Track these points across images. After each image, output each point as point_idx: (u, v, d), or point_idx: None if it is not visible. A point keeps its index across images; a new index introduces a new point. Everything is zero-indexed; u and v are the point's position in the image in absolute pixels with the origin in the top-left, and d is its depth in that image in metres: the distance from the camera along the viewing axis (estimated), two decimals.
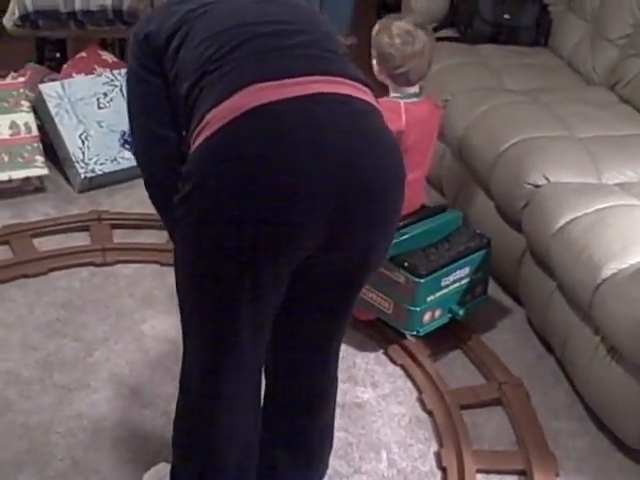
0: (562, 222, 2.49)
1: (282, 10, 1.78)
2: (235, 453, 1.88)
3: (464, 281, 2.60)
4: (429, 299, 2.52)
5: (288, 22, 1.75)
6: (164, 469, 2.08)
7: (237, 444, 1.88)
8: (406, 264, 2.49)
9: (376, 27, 2.55)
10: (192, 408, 1.90)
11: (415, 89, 2.57)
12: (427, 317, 2.54)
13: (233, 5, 1.78)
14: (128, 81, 1.90)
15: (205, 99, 1.65)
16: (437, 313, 2.57)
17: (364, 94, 1.70)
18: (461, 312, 2.60)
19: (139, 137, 1.95)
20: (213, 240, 1.64)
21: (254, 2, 1.79)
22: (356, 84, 1.69)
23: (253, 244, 1.61)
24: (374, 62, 2.54)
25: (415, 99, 2.56)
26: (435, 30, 3.78)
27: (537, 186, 2.66)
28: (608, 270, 2.30)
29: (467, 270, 2.60)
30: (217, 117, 1.60)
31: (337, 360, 1.99)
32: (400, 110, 2.50)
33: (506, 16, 3.65)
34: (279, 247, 1.64)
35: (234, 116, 1.58)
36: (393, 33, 2.49)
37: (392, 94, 2.56)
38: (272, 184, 1.57)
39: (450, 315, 2.60)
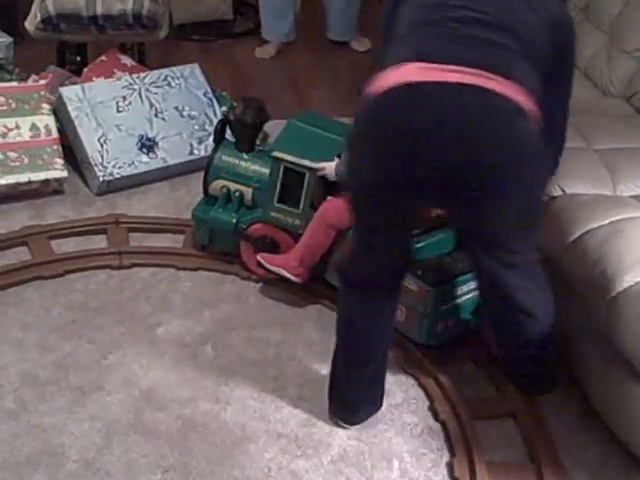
0: (577, 234, 2.47)
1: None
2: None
3: (477, 292, 2.60)
4: (443, 308, 2.52)
5: (478, 11, 1.95)
6: None
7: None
8: (419, 272, 2.49)
9: None
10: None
11: None
12: (440, 327, 2.54)
13: None
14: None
15: (389, 54, 2.00)
16: (450, 323, 2.57)
17: (512, 92, 1.90)
18: (473, 322, 2.60)
19: None
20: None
21: None
22: (511, 83, 1.90)
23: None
24: None
25: None
26: None
27: (552, 197, 2.64)
28: (623, 282, 2.27)
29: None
30: (380, 79, 1.95)
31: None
32: None
33: None
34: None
35: (388, 86, 1.91)
36: None
37: None
38: (389, 164, 1.97)
39: (462, 325, 2.61)
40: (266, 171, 2.85)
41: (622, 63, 3.35)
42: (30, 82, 3.43)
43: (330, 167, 2.68)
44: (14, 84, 3.36)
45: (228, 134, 3.02)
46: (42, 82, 3.43)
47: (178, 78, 3.60)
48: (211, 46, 4.70)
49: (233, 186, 2.92)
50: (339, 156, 2.66)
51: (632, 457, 2.31)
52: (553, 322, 2.33)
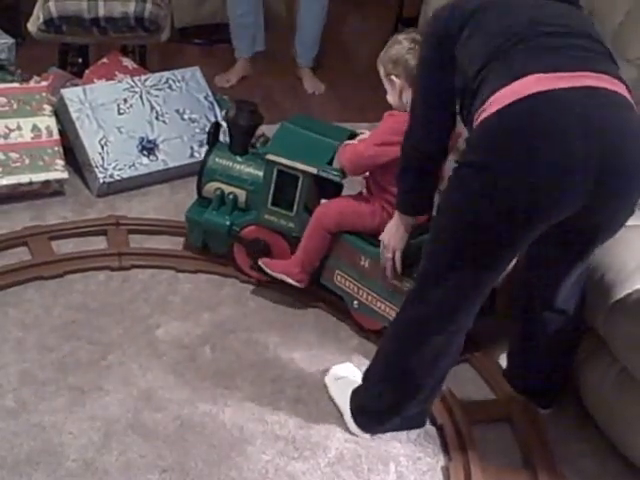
0: None
1: (558, 14, 2.05)
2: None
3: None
4: None
5: (562, 25, 2.02)
6: (353, 370, 2.53)
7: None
8: (415, 274, 2.51)
9: (381, 53, 2.58)
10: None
11: None
12: None
13: (518, 5, 2.09)
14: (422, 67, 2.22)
15: (490, 82, 1.95)
16: None
17: (621, 88, 1.97)
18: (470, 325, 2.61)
19: (422, 114, 2.25)
20: (493, 201, 1.95)
21: (535, 5, 2.08)
22: (614, 80, 1.97)
23: (528, 207, 1.93)
24: (393, 79, 2.53)
25: None
26: None
27: None
28: (622, 291, 2.29)
29: None
30: (499, 99, 1.91)
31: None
32: None
33: None
34: (548, 211, 1.95)
35: (516, 98, 1.88)
36: (399, 39, 2.55)
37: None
38: (548, 160, 1.88)
39: None
40: (260, 174, 2.86)
41: (624, 71, 3.23)
42: (32, 83, 3.42)
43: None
44: (16, 85, 3.35)
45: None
46: (44, 83, 3.42)
47: (179, 81, 3.61)
48: (212, 49, 4.70)
49: (227, 188, 2.93)
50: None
51: (629, 464, 2.33)
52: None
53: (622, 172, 1.94)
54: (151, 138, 3.42)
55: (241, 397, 2.44)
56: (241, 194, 2.92)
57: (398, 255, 2.51)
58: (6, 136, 3.21)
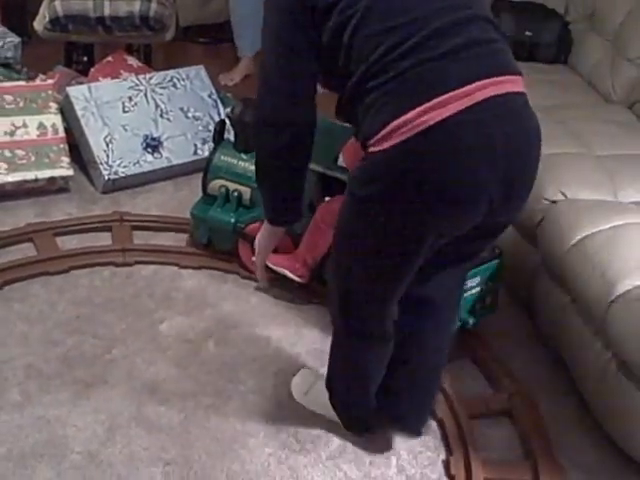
0: (578, 238, 2.51)
1: None
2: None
3: (474, 291, 2.62)
4: None
5: (461, 7, 1.84)
6: (310, 375, 2.47)
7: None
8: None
9: None
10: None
11: None
12: None
13: None
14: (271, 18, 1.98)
15: (386, 105, 1.79)
16: None
17: (518, 85, 1.87)
18: (471, 321, 2.63)
19: (277, 66, 2.01)
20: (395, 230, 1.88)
21: None
22: (512, 77, 1.86)
23: (425, 235, 1.88)
24: None
25: None
26: None
27: (554, 202, 2.68)
28: (622, 286, 2.31)
29: (478, 280, 2.61)
30: (396, 131, 1.76)
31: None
32: None
33: (528, 33, 3.68)
34: (450, 230, 1.92)
35: (415, 132, 1.74)
36: None
37: None
38: (453, 198, 1.81)
39: (460, 324, 2.63)
40: None
41: (625, 71, 3.40)
42: (38, 81, 3.45)
43: None
44: (22, 83, 3.38)
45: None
46: (50, 81, 3.45)
47: (183, 79, 3.63)
48: (216, 48, 4.73)
49: (232, 186, 2.95)
50: None
51: (628, 459, 2.33)
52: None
53: (526, 184, 1.95)
54: (155, 136, 3.45)
55: (244, 390, 2.46)
56: (246, 191, 2.94)
57: (259, 261, 2.49)
58: (12, 133, 3.24)
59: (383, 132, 1.79)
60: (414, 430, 2.36)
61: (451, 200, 1.82)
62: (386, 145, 1.79)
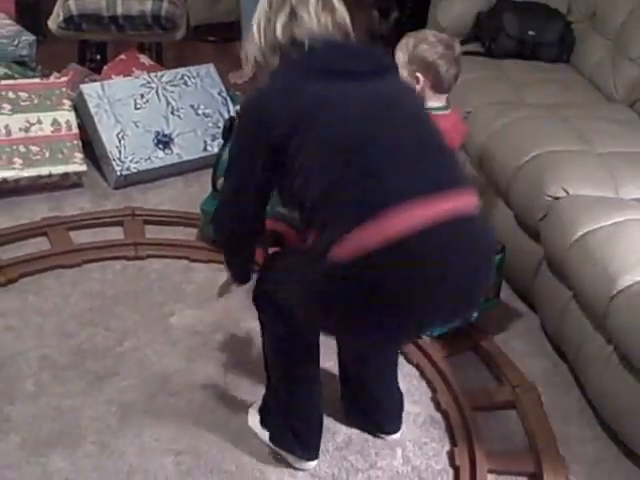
0: (579, 234, 2.53)
1: (400, 119, 1.93)
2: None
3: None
4: None
5: (408, 134, 1.90)
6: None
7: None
8: None
9: (408, 42, 2.56)
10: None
11: (444, 101, 2.61)
12: None
13: (350, 107, 1.90)
14: (237, 142, 2.05)
15: (339, 218, 1.82)
16: None
17: (470, 201, 1.89)
18: (474, 314, 2.67)
19: (233, 187, 2.09)
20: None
21: (369, 101, 1.91)
22: (463, 191, 1.88)
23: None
24: (419, 76, 2.52)
25: (445, 111, 2.60)
26: (460, 44, 3.83)
27: (556, 198, 2.70)
28: (623, 282, 2.33)
29: None
30: (350, 246, 1.77)
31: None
32: None
33: (531, 32, 3.70)
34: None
35: (367, 252, 1.76)
36: (433, 41, 2.53)
37: None
38: (405, 315, 1.87)
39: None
40: None
41: (626, 70, 3.41)
42: (52, 79, 3.47)
43: None
44: (37, 81, 3.42)
45: None
46: (63, 79, 3.48)
47: (194, 77, 3.67)
48: (226, 47, 4.75)
49: None
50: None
51: (630, 452, 2.35)
52: None
53: (472, 301, 2.02)
54: (166, 132, 3.49)
55: (253, 382, 2.47)
56: None
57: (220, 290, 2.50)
58: (27, 130, 3.28)
59: (335, 245, 1.80)
60: (397, 428, 2.39)
61: (398, 324, 1.90)
62: (342, 256, 1.79)
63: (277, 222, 2.90)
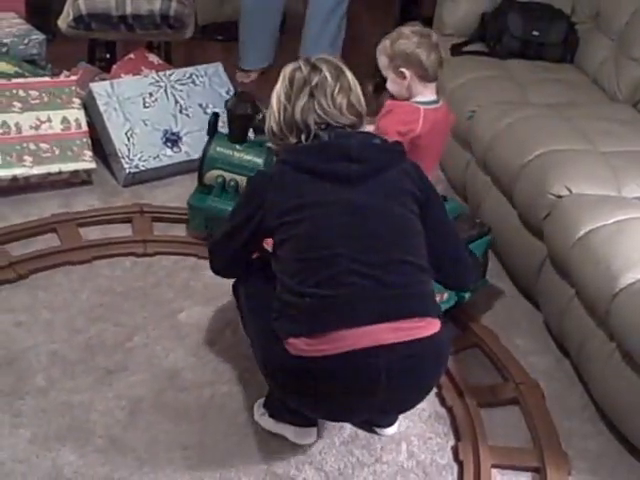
0: (582, 232, 2.54)
1: (375, 233, 2.06)
2: None
3: None
4: (436, 283, 2.61)
5: (371, 250, 2.03)
6: None
7: None
8: None
9: (385, 43, 2.62)
10: None
11: (434, 95, 2.65)
12: (437, 299, 2.62)
13: (330, 224, 2.05)
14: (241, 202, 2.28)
15: (298, 317, 2.03)
16: (445, 296, 2.66)
17: (426, 329, 2.03)
18: (467, 295, 2.72)
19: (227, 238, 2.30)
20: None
21: (350, 217, 2.06)
22: (422, 320, 2.03)
23: None
24: (404, 71, 2.58)
25: (435, 105, 2.64)
26: (465, 44, 3.86)
27: (559, 197, 2.71)
28: (626, 279, 2.35)
29: None
30: (300, 346, 2.00)
31: None
32: (419, 116, 2.58)
33: (535, 33, 3.71)
34: None
35: (315, 355, 1.99)
36: (408, 34, 2.59)
37: (413, 100, 2.63)
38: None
39: (456, 300, 2.72)
40: (259, 160, 3.02)
41: (630, 70, 3.42)
42: (62, 77, 3.49)
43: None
44: (47, 79, 3.43)
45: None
46: (73, 78, 3.49)
47: (202, 76, 3.68)
48: (234, 46, 4.72)
49: (228, 175, 3.04)
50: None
51: (632, 447, 2.37)
52: None
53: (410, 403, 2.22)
54: (175, 130, 3.51)
55: (261, 378, 2.41)
56: (242, 180, 3.02)
57: None
58: (37, 127, 3.29)
59: (289, 340, 2.03)
60: (391, 422, 2.42)
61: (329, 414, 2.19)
62: (291, 350, 2.02)
63: None
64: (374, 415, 2.32)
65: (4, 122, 3.26)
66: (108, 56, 3.98)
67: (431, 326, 2.05)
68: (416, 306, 2.05)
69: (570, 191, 2.73)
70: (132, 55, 3.81)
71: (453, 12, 3.93)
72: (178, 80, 3.62)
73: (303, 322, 2.01)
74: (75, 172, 3.35)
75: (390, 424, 2.40)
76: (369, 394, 2.04)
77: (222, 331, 2.70)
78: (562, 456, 2.33)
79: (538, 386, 2.57)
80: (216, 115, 3.12)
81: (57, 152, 3.31)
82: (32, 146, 3.28)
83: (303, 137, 2.14)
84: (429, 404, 2.49)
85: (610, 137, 3.02)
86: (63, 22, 3.76)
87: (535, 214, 2.80)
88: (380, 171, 2.10)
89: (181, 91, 3.60)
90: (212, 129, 3.10)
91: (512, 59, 3.73)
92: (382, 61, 2.63)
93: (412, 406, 2.23)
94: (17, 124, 3.28)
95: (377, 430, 2.39)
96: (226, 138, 3.10)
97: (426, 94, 2.63)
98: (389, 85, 2.65)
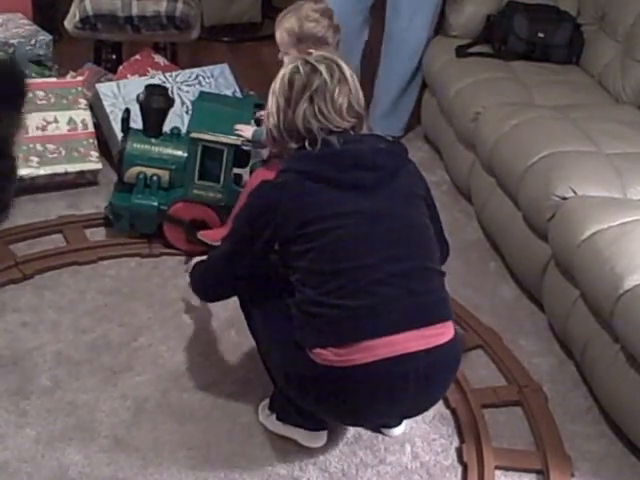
0: (587, 234, 2.54)
1: (394, 240, 2.06)
2: None
3: None
4: None
5: (395, 259, 2.04)
6: None
7: None
8: None
9: (291, 22, 2.65)
10: None
11: None
12: None
13: (354, 234, 2.04)
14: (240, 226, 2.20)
15: (320, 332, 2.03)
16: None
17: (446, 335, 2.06)
18: None
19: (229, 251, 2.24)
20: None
21: (371, 231, 2.05)
22: (440, 327, 2.05)
23: None
24: (311, 51, 2.50)
25: None
26: (471, 45, 3.86)
27: (564, 198, 2.72)
28: (630, 282, 2.34)
29: None
30: (325, 355, 2.01)
31: None
32: None
33: (540, 34, 3.71)
34: None
35: (339, 365, 2.00)
36: (317, 16, 2.67)
37: None
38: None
39: None
40: (179, 152, 3.01)
41: (635, 72, 3.41)
42: (68, 78, 3.51)
43: (248, 130, 2.84)
44: (53, 80, 3.45)
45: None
46: (79, 78, 3.51)
47: (208, 77, 3.68)
48: (240, 47, 4.77)
49: (149, 171, 3.02)
50: (257, 123, 2.88)
51: (635, 449, 2.37)
52: None
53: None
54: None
55: (266, 379, 2.45)
56: (164, 174, 3.02)
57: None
58: (44, 128, 3.31)
59: (315, 350, 2.03)
60: (398, 422, 2.43)
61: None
62: (317, 359, 2.03)
63: (196, 206, 2.94)
64: (392, 420, 2.35)
65: None
66: (114, 57, 3.99)
67: (449, 330, 2.08)
68: (439, 312, 2.08)
69: (575, 193, 2.73)
70: (138, 56, 3.81)
71: (459, 13, 3.93)
72: (184, 81, 3.63)
73: (330, 333, 2.01)
74: (81, 173, 3.36)
75: (398, 424, 2.41)
76: (396, 401, 2.07)
77: (227, 331, 2.70)
78: (565, 458, 2.33)
79: (541, 389, 2.57)
80: (128, 111, 3.07)
81: (63, 153, 3.32)
82: (39, 147, 3.29)
83: (306, 142, 2.10)
84: None
85: (615, 139, 3.02)
86: (69, 23, 3.78)
87: (540, 216, 2.80)
88: (393, 176, 2.09)
89: (187, 92, 3.60)
90: (125, 126, 3.06)
91: (517, 61, 3.74)
92: (284, 38, 2.66)
93: (428, 409, 2.26)
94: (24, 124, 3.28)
95: (384, 431, 2.40)
96: (141, 133, 3.07)
97: None
98: (289, 62, 2.64)
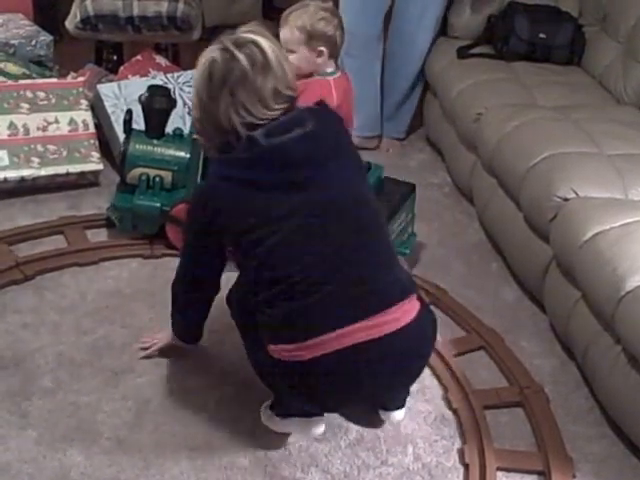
0: (589, 235, 2.54)
1: (331, 233, 2.03)
2: None
3: (403, 224, 2.83)
4: None
5: (335, 252, 2.02)
6: None
7: None
8: None
9: (303, 20, 2.64)
10: None
11: (334, 67, 2.74)
12: None
13: (290, 238, 2.02)
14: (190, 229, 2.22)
15: (277, 327, 2.07)
16: None
17: (403, 318, 2.06)
18: (407, 251, 2.82)
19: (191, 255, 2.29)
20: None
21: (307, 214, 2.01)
22: (398, 308, 2.05)
23: None
24: (322, 49, 2.66)
25: (337, 74, 2.74)
26: (472, 46, 3.86)
27: (566, 199, 2.72)
28: (632, 283, 2.34)
29: (404, 215, 2.83)
30: (280, 352, 2.07)
31: None
32: (331, 88, 2.68)
33: (542, 35, 3.72)
34: None
35: (294, 360, 2.04)
36: (327, 15, 2.66)
37: (317, 76, 2.71)
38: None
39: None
40: (181, 153, 3.02)
41: (636, 72, 3.42)
42: (69, 79, 3.52)
43: None
44: (54, 80, 3.45)
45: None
46: (80, 79, 3.52)
47: None
48: None
49: (152, 172, 3.03)
50: None
51: (637, 450, 2.37)
52: None
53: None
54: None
55: None
56: (167, 175, 3.04)
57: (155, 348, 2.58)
58: (45, 129, 3.32)
59: (270, 347, 2.09)
60: (401, 404, 2.44)
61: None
62: (274, 355, 2.09)
63: None
64: (375, 400, 2.38)
65: (12, 123, 3.28)
66: (115, 57, 4.01)
67: (409, 311, 2.08)
68: (390, 296, 2.05)
69: (576, 194, 2.73)
70: (139, 56, 3.82)
71: (460, 14, 3.93)
72: (186, 82, 3.63)
73: (282, 332, 2.06)
74: (82, 173, 3.37)
75: (398, 407, 2.41)
76: (358, 390, 2.11)
77: (229, 333, 2.65)
78: (567, 459, 2.33)
79: (543, 390, 2.56)
80: (130, 112, 3.07)
81: (65, 153, 3.32)
82: (40, 147, 3.29)
83: (231, 138, 2.01)
84: (435, 407, 2.50)
85: (617, 140, 3.02)
86: (70, 23, 3.78)
87: (541, 217, 2.80)
88: (327, 160, 2.03)
89: (189, 93, 3.59)
90: (128, 127, 3.06)
91: (519, 61, 3.75)
92: (295, 36, 2.65)
93: (407, 386, 2.35)
94: (25, 125, 3.30)
95: (383, 415, 2.41)
96: (143, 134, 3.07)
97: (330, 67, 2.73)
98: (298, 60, 2.65)
